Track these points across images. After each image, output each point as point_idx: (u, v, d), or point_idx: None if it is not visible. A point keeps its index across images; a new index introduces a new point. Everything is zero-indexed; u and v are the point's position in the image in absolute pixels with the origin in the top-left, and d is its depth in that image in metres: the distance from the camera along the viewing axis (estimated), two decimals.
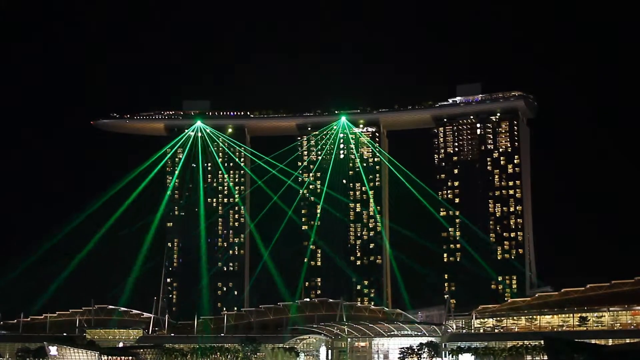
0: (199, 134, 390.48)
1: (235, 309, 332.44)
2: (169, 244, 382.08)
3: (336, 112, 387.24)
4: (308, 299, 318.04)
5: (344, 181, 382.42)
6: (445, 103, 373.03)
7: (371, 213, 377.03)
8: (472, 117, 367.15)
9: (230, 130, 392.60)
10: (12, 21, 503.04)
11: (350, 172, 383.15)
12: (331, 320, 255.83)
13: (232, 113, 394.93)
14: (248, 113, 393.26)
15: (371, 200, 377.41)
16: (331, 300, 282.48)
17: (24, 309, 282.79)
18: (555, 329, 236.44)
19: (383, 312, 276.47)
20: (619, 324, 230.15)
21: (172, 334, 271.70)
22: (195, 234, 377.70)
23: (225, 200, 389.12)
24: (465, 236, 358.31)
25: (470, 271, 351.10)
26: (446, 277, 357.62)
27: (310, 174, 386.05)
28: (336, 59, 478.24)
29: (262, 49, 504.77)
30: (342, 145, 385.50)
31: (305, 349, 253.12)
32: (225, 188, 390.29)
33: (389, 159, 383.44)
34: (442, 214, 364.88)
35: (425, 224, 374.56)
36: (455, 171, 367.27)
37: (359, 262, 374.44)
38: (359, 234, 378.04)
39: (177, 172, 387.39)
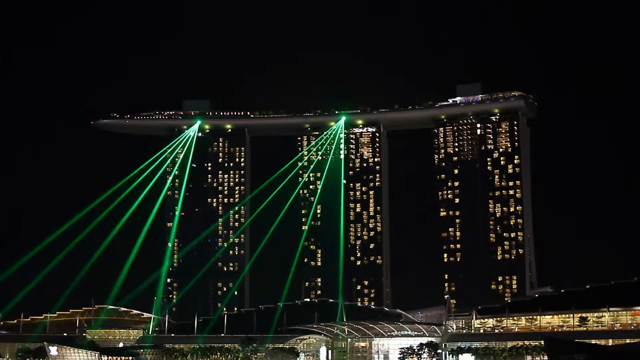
0: (199, 134, 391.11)
1: (235, 309, 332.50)
2: (169, 244, 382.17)
3: (336, 112, 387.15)
4: (308, 299, 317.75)
5: (344, 181, 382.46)
6: (445, 103, 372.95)
7: (371, 213, 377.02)
8: (472, 117, 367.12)
9: (230, 130, 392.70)
10: (12, 20, 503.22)
11: (350, 172, 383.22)
12: (331, 320, 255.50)
13: (232, 113, 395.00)
14: (248, 113, 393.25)
15: (371, 200, 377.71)
16: (331, 300, 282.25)
17: (24, 309, 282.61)
18: (555, 329, 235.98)
19: (383, 312, 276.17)
20: (619, 324, 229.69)
21: (172, 334, 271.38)
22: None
23: (226, 200, 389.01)
24: (465, 236, 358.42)
25: (470, 271, 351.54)
26: (446, 277, 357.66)
27: (310, 174, 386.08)
28: (336, 58, 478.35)
29: (262, 48, 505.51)
30: (342, 145, 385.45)
31: (305, 349, 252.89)
32: (226, 188, 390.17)
33: (388, 159, 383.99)
34: (442, 214, 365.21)
35: (424, 223, 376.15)
36: (455, 171, 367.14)
37: (359, 262, 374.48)
38: (359, 234, 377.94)
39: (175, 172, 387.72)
